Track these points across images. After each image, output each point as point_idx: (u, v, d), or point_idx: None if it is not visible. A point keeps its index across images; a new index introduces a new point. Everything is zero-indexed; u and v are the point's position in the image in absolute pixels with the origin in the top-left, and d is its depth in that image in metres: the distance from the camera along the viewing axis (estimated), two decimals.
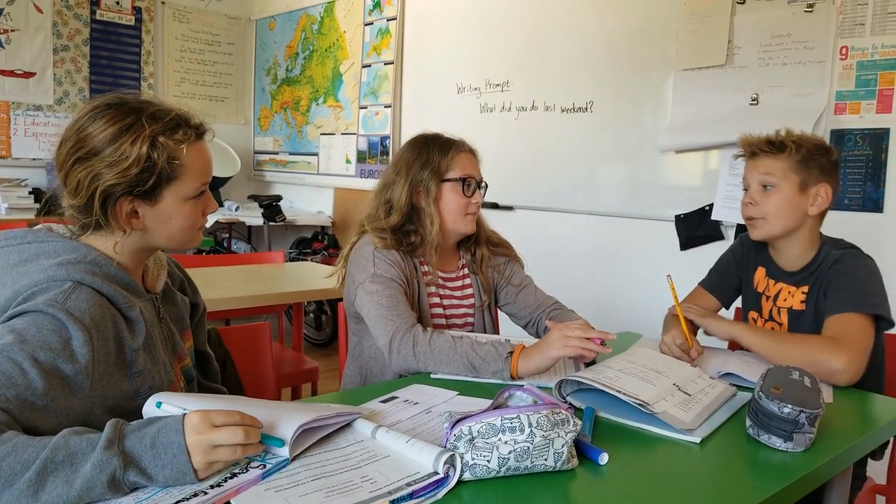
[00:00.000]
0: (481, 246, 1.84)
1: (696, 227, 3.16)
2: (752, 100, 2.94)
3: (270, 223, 4.64)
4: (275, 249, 4.90)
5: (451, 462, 0.97)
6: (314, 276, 2.91)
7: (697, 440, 1.17)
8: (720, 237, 3.07)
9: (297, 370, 2.67)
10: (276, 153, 5.58)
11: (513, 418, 0.99)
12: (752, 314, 1.85)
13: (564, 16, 3.60)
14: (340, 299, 1.97)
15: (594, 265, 3.49)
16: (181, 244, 1.21)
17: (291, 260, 4.32)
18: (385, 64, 4.56)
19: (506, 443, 0.98)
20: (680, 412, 1.25)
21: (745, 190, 1.76)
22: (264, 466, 0.96)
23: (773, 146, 1.67)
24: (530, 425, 0.99)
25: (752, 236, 1.74)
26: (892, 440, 1.76)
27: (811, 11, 2.76)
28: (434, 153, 1.76)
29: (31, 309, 1.02)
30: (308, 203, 5.32)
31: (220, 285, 2.44)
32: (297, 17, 5.29)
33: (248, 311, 3.16)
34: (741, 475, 1.09)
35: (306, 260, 4.34)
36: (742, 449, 1.17)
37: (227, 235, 4.95)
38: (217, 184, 4.92)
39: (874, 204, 2.60)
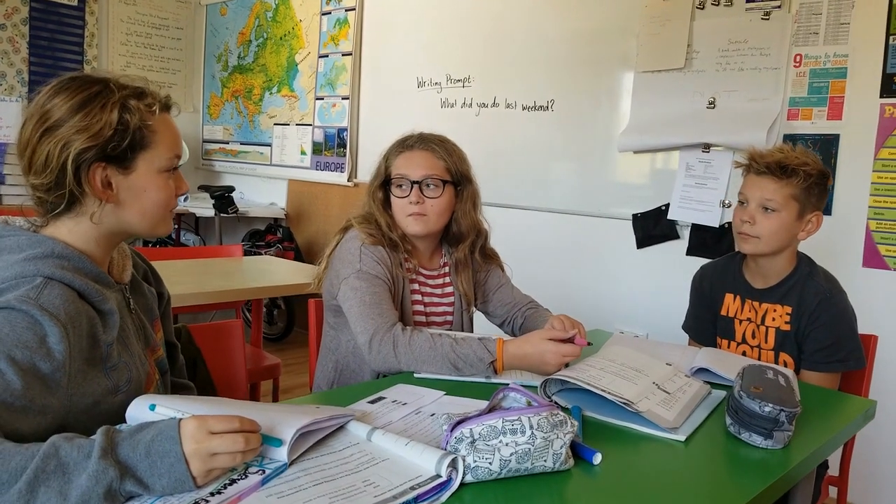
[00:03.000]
0: (461, 249, 1.79)
1: (652, 227, 3.23)
2: (710, 103, 3.02)
3: (222, 215, 4.53)
4: (226, 242, 4.80)
5: (453, 465, 0.97)
6: (275, 271, 2.86)
7: (682, 438, 1.20)
8: (676, 236, 3.15)
9: (258, 367, 2.62)
10: (227, 142, 5.45)
11: (514, 420, 1.00)
12: (722, 341, 1.88)
13: (526, 14, 3.62)
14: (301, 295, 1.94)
15: (552, 262, 3.53)
16: (153, 223, 1.17)
17: (245, 253, 4.23)
18: (343, 55, 4.50)
19: (507, 445, 0.99)
20: (663, 410, 1.28)
21: (742, 203, 1.77)
22: (263, 472, 0.94)
23: (784, 171, 1.68)
24: (531, 427, 1.00)
25: (743, 250, 1.78)
26: None
27: (768, 19, 2.86)
28: (384, 161, 1.77)
29: (1, 306, 0.98)
30: (260, 194, 5.22)
31: (179, 280, 2.37)
32: (251, 3, 5.16)
33: (202, 307, 3.09)
34: (727, 473, 1.13)
35: (261, 253, 4.25)
36: (724, 447, 1.20)
37: (177, 227, 4.82)
38: None
39: (824, 207, 2.70)
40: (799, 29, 2.79)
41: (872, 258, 2.64)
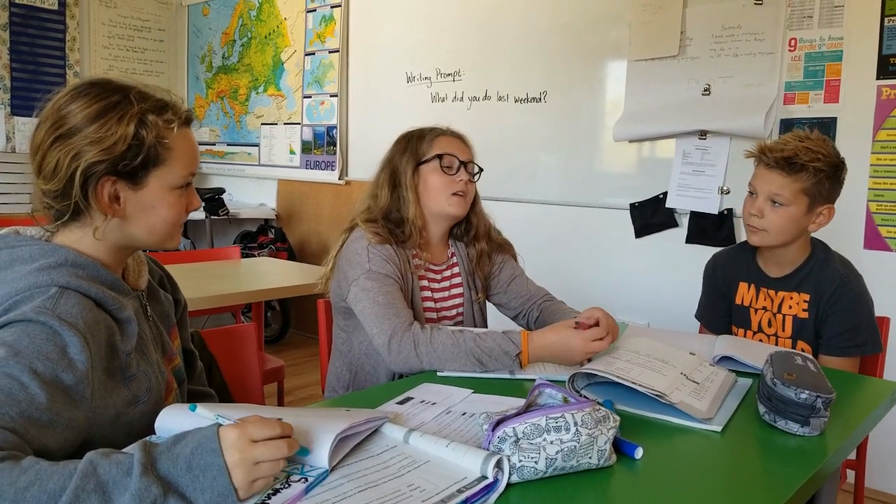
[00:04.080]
0: (480, 241, 1.80)
1: (650, 215, 3.23)
2: (705, 90, 3.02)
3: (213, 217, 4.47)
4: (216, 244, 4.74)
5: (498, 465, 0.95)
6: (274, 272, 2.82)
7: (719, 429, 1.19)
8: (674, 224, 3.15)
9: (262, 370, 2.57)
10: (213, 144, 5.38)
11: (557, 417, 0.98)
12: (738, 330, 1.87)
13: (516, 5, 3.60)
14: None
15: (551, 254, 3.51)
16: (161, 239, 1.13)
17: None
18: (330, 52, 4.45)
19: (552, 443, 0.96)
20: (695, 401, 1.26)
21: (751, 193, 1.75)
22: (306, 480, 0.91)
23: (793, 167, 1.65)
24: (575, 424, 0.98)
25: (751, 241, 1.77)
26: None
27: (761, 4, 2.85)
28: (413, 141, 1.76)
29: (18, 318, 0.94)
30: (249, 195, 5.16)
31: (180, 285, 2.32)
32: (234, 2, 5.09)
33: (201, 312, 3.03)
34: (770, 462, 1.11)
35: (254, 255, 4.20)
36: (761, 435, 1.19)
37: None
38: None
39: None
40: (793, 13, 2.79)
41: (874, 240, 2.65)
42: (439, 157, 1.70)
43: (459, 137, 1.78)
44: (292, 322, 4.59)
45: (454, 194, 1.70)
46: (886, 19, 2.59)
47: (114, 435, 1.02)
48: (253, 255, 4.13)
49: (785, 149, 1.67)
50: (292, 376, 3.78)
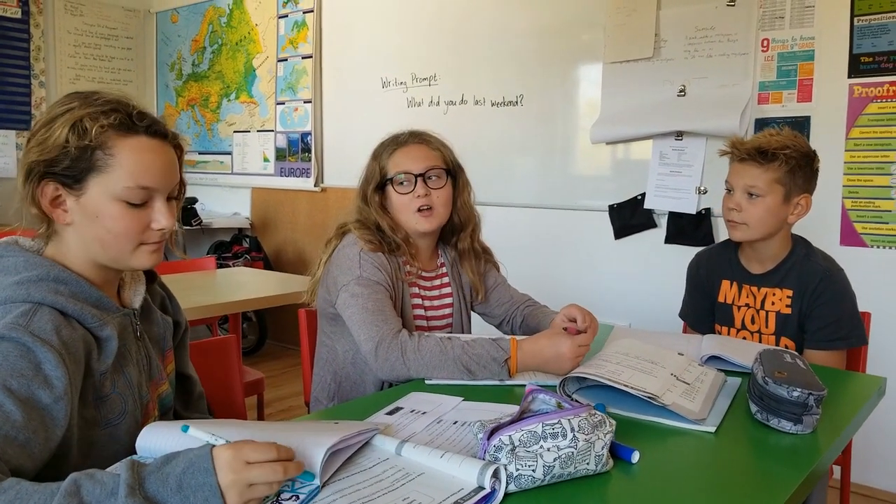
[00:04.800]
0: (463, 240, 1.78)
1: (629, 217, 3.23)
2: (680, 91, 3.03)
3: (185, 227, 4.39)
4: (190, 255, 4.66)
5: (495, 475, 0.92)
6: (251, 282, 2.77)
7: (712, 430, 1.18)
8: (653, 225, 3.16)
9: (242, 382, 2.52)
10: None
11: (554, 423, 0.96)
12: (721, 328, 1.88)
13: (491, 9, 3.59)
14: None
15: (530, 257, 3.50)
16: (117, 254, 1.05)
17: None
18: (303, 58, 4.40)
19: (549, 450, 0.94)
20: (687, 402, 1.25)
21: (729, 190, 1.77)
22: (297, 497, 0.88)
23: (764, 157, 1.68)
24: (572, 429, 0.96)
25: (733, 237, 1.78)
26: None
27: (733, 5, 2.88)
28: (375, 162, 1.72)
29: None
30: (222, 205, 5.08)
31: None
32: (203, 9, 5.02)
33: None
34: (766, 462, 1.10)
35: (228, 265, 4.13)
36: (754, 435, 1.18)
37: None
38: None
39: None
40: (764, 14, 2.82)
41: (849, 236, 2.68)
42: (390, 179, 1.66)
43: (421, 142, 1.70)
44: (269, 333, 4.52)
45: (418, 210, 1.65)
46: (856, 19, 2.63)
47: (79, 456, 0.99)
48: (227, 266, 4.06)
49: (754, 140, 1.73)
50: (271, 388, 3.71)
